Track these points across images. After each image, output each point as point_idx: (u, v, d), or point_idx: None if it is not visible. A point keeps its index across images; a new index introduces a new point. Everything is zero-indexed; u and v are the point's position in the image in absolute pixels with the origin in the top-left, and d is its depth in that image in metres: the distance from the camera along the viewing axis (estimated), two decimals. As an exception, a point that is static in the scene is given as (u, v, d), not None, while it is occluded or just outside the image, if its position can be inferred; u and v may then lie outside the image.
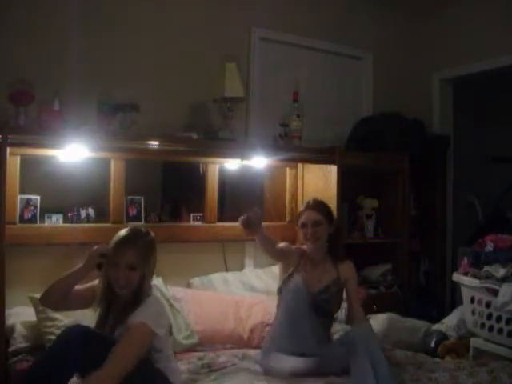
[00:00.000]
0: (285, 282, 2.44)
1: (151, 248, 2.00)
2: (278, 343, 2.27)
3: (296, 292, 2.31)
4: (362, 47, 3.99)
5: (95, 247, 2.00)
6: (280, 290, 2.46)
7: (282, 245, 2.48)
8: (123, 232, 1.99)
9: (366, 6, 3.97)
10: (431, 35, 4.13)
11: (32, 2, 2.77)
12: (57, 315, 2.36)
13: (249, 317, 2.76)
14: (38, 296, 2.41)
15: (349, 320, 2.51)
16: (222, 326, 2.68)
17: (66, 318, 2.36)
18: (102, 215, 2.80)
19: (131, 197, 2.87)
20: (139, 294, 1.92)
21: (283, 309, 2.35)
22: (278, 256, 2.47)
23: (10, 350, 2.30)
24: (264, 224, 3.34)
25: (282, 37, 3.63)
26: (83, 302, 2.02)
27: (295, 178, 3.51)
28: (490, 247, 2.71)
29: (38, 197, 2.62)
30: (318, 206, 2.52)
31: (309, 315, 2.28)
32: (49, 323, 2.35)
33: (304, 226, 2.48)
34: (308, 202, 2.55)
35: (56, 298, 2.01)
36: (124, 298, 1.93)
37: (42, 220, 2.64)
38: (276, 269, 3.29)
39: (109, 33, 2.95)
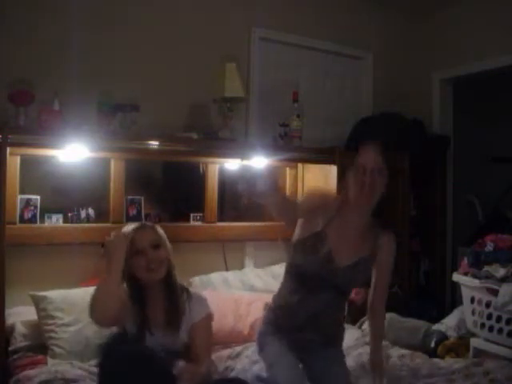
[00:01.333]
0: (304, 242, 1.89)
1: (162, 232, 2.02)
2: (276, 319, 1.97)
3: (318, 261, 1.85)
4: (362, 47, 3.99)
5: (111, 237, 1.86)
6: (297, 249, 1.92)
7: (305, 205, 1.96)
8: (131, 226, 1.99)
9: (366, 6, 3.97)
10: (431, 35, 4.13)
11: (32, 2, 2.77)
12: (57, 313, 2.37)
13: (248, 313, 2.76)
14: (38, 294, 2.43)
15: (369, 308, 2.05)
16: (222, 323, 2.68)
17: (66, 316, 2.37)
18: (102, 215, 2.80)
19: (131, 197, 2.87)
20: (173, 282, 1.94)
21: (293, 276, 1.94)
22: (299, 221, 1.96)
23: (10, 348, 2.30)
24: (264, 224, 3.39)
25: (282, 37, 3.63)
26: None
27: (295, 178, 3.51)
28: (490, 247, 2.71)
29: (38, 197, 2.62)
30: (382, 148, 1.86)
31: (324, 290, 1.89)
32: (49, 321, 2.36)
33: (361, 171, 1.79)
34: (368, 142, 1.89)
35: (110, 313, 1.83)
36: (158, 288, 1.91)
37: (42, 220, 2.64)
38: (276, 268, 3.31)
39: (109, 33, 2.95)
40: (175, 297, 1.92)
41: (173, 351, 1.84)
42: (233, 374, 2.24)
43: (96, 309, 1.79)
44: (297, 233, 1.94)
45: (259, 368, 2.27)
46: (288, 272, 1.98)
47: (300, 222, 1.94)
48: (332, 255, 1.86)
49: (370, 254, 1.90)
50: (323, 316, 1.92)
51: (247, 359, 2.40)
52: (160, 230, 2.00)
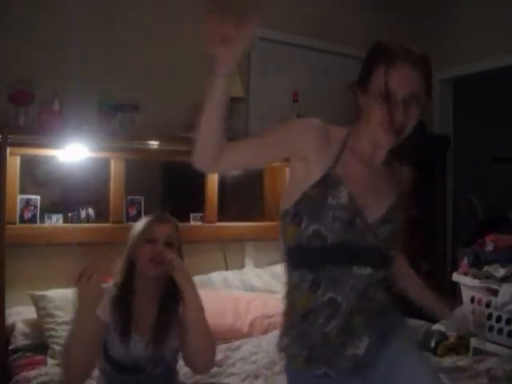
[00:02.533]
0: (307, 196, 1.24)
1: (180, 232, 1.89)
2: (293, 330, 1.29)
3: (335, 221, 1.20)
4: (362, 47, 3.97)
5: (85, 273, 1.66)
6: (294, 216, 1.24)
7: (292, 132, 1.33)
8: (152, 214, 1.89)
9: (366, 6, 3.97)
10: (431, 35, 4.13)
11: (32, 2, 2.77)
12: (57, 312, 2.38)
13: (248, 312, 2.77)
14: (37, 293, 2.43)
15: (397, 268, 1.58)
16: (221, 321, 2.68)
17: (66, 315, 2.37)
18: (102, 215, 2.80)
19: (131, 197, 2.87)
20: (173, 285, 1.74)
21: (305, 258, 1.24)
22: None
23: (10, 347, 2.31)
24: (264, 224, 3.38)
25: (282, 37, 3.63)
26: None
27: (295, 178, 3.51)
28: (489, 247, 2.71)
29: (38, 197, 2.62)
30: (424, 62, 1.33)
31: (360, 264, 1.24)
32: (49, 319, 2.37)
33: (391, 96, 1.23)
34: (401, 48, 1.37)
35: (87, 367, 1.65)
36: (155, 287, 1.76)
37: (42, 220, 2.64)
38: (277, 268, 3.31)
39: (109, 33, 2.95)
40: (172, 302, 1.75)
41: (158, 358, 1.72)
42: (231, 362, 2.28)
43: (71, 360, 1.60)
44: (290, 188, 1.32)
45: (258, 358, 2.33)
46: (294, 258, 1.27)
47: (292, 167, 1.34)
48: (358, 206, 1.23)
49: (396, 200, 1.34)
50: (363, 311, 1.26)
51: (247, 351, 2.46)
52: (178, 227, 1.87)
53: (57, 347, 2.30)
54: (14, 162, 2.50)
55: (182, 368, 1.89)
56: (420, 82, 1.25)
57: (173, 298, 1.74)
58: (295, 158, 1.31)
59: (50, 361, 2.25)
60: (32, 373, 2.09)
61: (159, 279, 1.76)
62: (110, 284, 1.80)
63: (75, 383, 1.65)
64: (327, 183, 1.23)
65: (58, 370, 2.12)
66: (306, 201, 1.24)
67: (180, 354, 1.80)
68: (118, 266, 1.80)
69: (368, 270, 1.25)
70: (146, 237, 1.77)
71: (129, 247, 1.80)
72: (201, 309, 1.73)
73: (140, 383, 1.70)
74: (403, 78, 1.25)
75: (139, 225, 1.84)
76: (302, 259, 1.24)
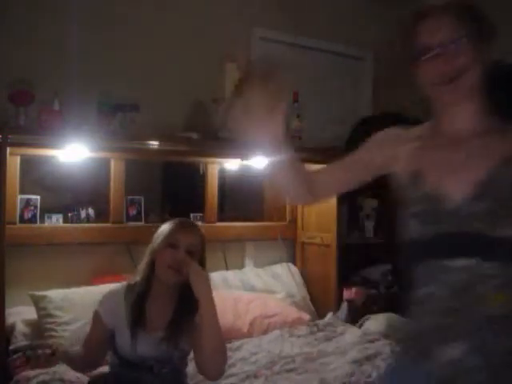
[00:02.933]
0: (402, 199, 1.24)
1: (205, 239, 1.86)
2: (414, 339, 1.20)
3: (414, 215, 1.18)
4: (362, 47, 3.99)
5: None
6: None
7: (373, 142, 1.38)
8: (179, 219, 1.86)
9: (366, 6, 3.97)
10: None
11: (32, 2, 2.77)
12: (57, 312, 2.38)
13: (247, 311, 2.77)
14: (37, 293, 2.43)
15: None
16: (221, 320, 2.68)
17: (66, 315, 2.38)
18: (102, 215, 2.80)
19: (131, 197, 2.87)
20: (191, 293, 1.71)
21: (404, 253, 1.22)
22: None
23: (10, 348, 2.30)
24: (264, 224, 3.39)
25: (282, 37, 3.63)
26: (105, 342, 1.76)
27: (295, 178, 3.51)
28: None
29: (38, 197, 2.62)
30: (458, 5, 1.21)
31: (449, 260, 1.11)
32: (49, 320, 2.37)
33: (427, 48, 1.16)
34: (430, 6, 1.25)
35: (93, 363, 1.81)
36: (171, 291, 1.76)
37: (42, 220, 2.64)
38: (277, 268, 3.31)
39: (109, 33, 2.95)
40: (189, 307, 1.74)
41: (165, 358, 1.72)
42: (231, 362, 2.27)
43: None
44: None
45: (258, 358, 2.34)
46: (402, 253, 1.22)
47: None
48: (436, 193, 1.16)
49: (495, 170, 1.13)
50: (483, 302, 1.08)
51: (247, 351, 2.46)
52: (203, 237, 1.84)
53: (57, 347, 2.30)
54: (13, 162, 2.50)
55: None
56: (455, 27, 1.16)
57: (190, 303, 1.72)
58: (383, 169, 1.34)
59: (50, 360, 2.25)
60: (32, 372, 2.09)
61: (177, 284, 1.76)
62: (118, 285, 1.81)
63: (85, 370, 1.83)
64: (411, 181, 1.22)
65: (58, 369, 2.12)
66: (403, 204, 1.23)
67: (190, 357, 1.81)
68: (141, 265, 1.81)
69: (462, 262, 1.08)
70: (169, 241, 1.76)
71: (151, 248, 1.80)
72: (215, 315, 1.71)
73: (146, 381, 1.71)
74: (431, 27, 1.19)
75: (165, 228, 1.82)
76: (405, 255, 1.22)
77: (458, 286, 1.09)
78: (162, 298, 1.77)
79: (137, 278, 1.79)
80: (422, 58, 1.17)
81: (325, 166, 1.41)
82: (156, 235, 1.82)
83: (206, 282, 1.74)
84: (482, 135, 1.19)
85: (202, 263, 1.79)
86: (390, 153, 1.30)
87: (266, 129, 1.17)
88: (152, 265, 1.77)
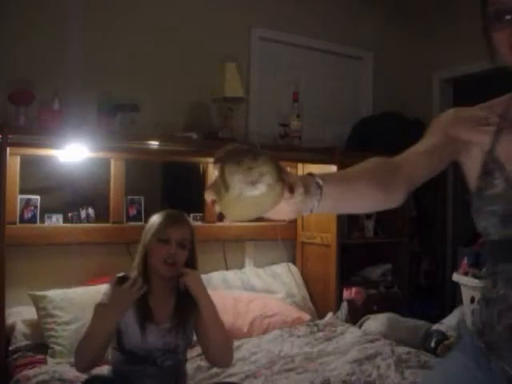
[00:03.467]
0: (474, 191, 1.10)
1: (196, 230, 1.91)
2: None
3: (493, 215, 1.02)
4: (362, 47, 3.99)
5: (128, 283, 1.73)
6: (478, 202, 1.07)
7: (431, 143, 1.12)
8: (167, 211, 1.90)
9: (366, 5, 3.97)
10: (431, 35, 4.13)
11: (32, 1, 2.77)
12: (57, 312, 2.38)
13: (247, 311, 2.77)
14: (37, 293, 2.43)
15: None
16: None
17: (66, 315, 2.38)
18: (102, 215, 2.80)
19: (131, 197, 2.88)
20: None
21: (485, 250, 1.14)
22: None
23: (10, 348, 2.31)
24: (264, 224, 3.38)
25: (282, 37, 3.63)
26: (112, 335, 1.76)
27: (295, 178, 3.51)
28: (490, 247, 2.71)
29: (38, 197, 2.62)
30: None
31: None
32: (49, 319, 2.37)
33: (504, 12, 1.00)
34: None
35: (95, 358, 1.74)
36: (171, 282, 1.81)
37: (42, 220, 2.64)
38: (277, 268, 3.31)
39: (109, 33, 2.95)
40: (188, 295, 1.79)
41: (173, 350, 1.79)
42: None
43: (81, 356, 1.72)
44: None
45: (258, 358, 2.35)
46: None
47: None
48: None
49: None
50: None
51: (247, 351, 2.46)
52: (193, 229, 1.88)
53: (57, 347, 2.30)
54: (14, 162, 2.50)
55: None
56: None
57: (190, 292, 1.79)
58: (458, 152, 1.12)
59: (50, 360, 2.25)
60: (32, 371, 2.10)
61: (174, 276, 1.82)
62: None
63: (85, 369, 1.78)
64: (486, 172, 1.05)
65: (58, 368, 2.13)
66: (473, 197, 1.09)
67: (188, 355, 1.89)
68: (135, 263, 1.85)
69: None
70: (159, 236, 1.80)
71: (142, 246, 1.84)
72: (215, 310, 1.80)
73: (148, 375, 1.74)
74: None
75: (154, 222, 1.85)
76: (487, 253, 1.11)
77: None
78: (162, 290, 1.83)
79: (134, 273, 1.82)
80: (498, 22, 1.01)
81: (401, 155, 1.10)
82: (146, 229, 1.85)
83: (201, 286, 1.81)
84: None
85: (192, 255, 1.86)
86: (464, 136, 1.09)
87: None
88: (146, 260, 1.82)
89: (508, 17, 1.00)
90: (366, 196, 0.97)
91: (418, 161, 1.08)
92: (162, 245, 1.79)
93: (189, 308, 1.81)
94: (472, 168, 1.09)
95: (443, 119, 1.16)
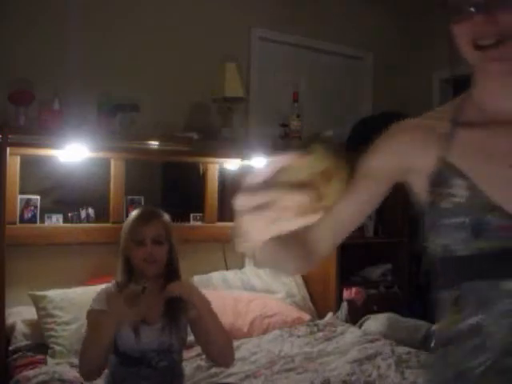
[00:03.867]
0: (425, 207, 0.96)
1: (171, 223, 1.90)
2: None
3: (457, 230, 0.88)
4: (362, 47, 3.99)
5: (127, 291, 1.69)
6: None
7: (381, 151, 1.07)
8: (140, 210, 1.91)
9: (366, 5, 3.97)
10: (431, 34, 4.13)
11: (32, 1, 2.77)
12: (57, 312, 2.38)
13: (247, 311, 2.78)
14: (37, 293, 2.43)
15: None
16: (221, 320, 2.69)
17: (66, 315, 2.38)
18: (102, 215, 2.80)
19: (131, 197, 2.88)
20: (175, 269, 1.84)
21: (443, 270, 0.94)
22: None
23: (10, 348, 2.31)
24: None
25: (282, 37, 3.63)
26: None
27: (295, 178, 3.51)
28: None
29: (38, 197, 2.62)
30: None
31: (508, 282, 0.84)
32: (49, 319, 2.37)
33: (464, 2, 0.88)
34: None
35: (101, 365, 1.72)
36: (157, 281, 1.80)
37: (42, 220, 2.64)
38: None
39: (109, 33, 2.95)
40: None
41: (167, 350, 1.77)
42: None
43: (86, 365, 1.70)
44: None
45: (258, 358, 2.35)
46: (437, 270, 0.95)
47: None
48: (487, 198, 0.85)
49: None
50: None
51: (247, 351, 2.47)
52: (166, 223, 1.86)
53: (57, 347, 2.30)
54: (14, 162, 2.50)
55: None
56: None
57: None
58: (399, 177, 1.02)
59: (50, 360, 2.25)
60: (32, 372, 2.10)
61: (158, 274, 1.82)
62: (108, 284, 1.82)
63: (93, 378, 1.74)
64: (440, 182, 0.91)
65: (57, 368, 2.13)
66: (426, 212, 0.96)
67: (188, 355, 1.89)
68: (118, 266, 1.84)
69: None
70: (133, 238, 1.80)
71: (121, 248, 1.84)
72: (211, 311, 1.80)
73: (143, 377, 1.73)
74: None
75: (127, 224, 1.86)
76: (445, 272, 0.92)
77: None
78: (150, 289, 1.77)
79: (118, 276, 1.82)
80: (459, 13, 0.92)
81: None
82: (122, 231, 1.85)
83: (191, 291, 1.80)
84: None
85: (171, 250, 1.85)
86: (403, 151, 1.00)
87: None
88: (128, 262, 1.82)
89: (469, 8, 0.89)
90: (294, 255, 0.93)
91: (336, 217, 0.93)
92: (139, 245, 1.78)
93: (178, 306, 1.79)
94: (421, 180, 0.95)
95: (374, 150, 1.08)
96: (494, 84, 0.94)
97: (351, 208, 1.01)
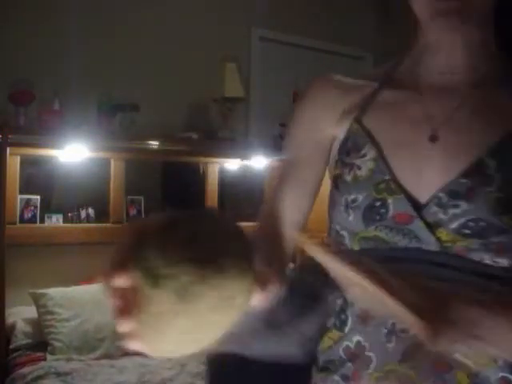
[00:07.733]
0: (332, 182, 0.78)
1: None
2: None
3: (350, 210, 0.71)
4: (362, 47, 3.99)
5: None
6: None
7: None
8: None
9: (366, 5, 3.97)
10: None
11: (32, 1, 2.77)
12: (57, 309, 2.38)
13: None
14: (38, 291, 2.43)
15: None
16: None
17: (66, 312, 2.38)
18: (102, 215, 2.80)
19: (131, 197, 2.88)
20: None
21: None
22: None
23: (10, 346, 2.31)
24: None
25: (282, 37, 3.63)
26: None
27: (295, 178, 3.51)
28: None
29: (38, 197, 2.62)
30: None
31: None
32: (49, 317, 2.37)
33: None
34: None
35: None
36: None
37: (42, 220, 2.64)
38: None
39: (109, 33, 2.95)
40: None
41: None
42: None
43: None
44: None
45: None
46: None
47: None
48: (394, 175, 0.68)
49: (498, 148, 0.66)
50: None
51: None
52: None
53: (56, 343, 2.30)
54: (14, 162, 2.50)
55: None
56: None
57: None
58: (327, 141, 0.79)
59: (49, 357, 2.26)
60: (28, 368, 2.11)
61: None
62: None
63: None
64: (350, 148, 0.73)
65: (54, 363, 2.14)
66: (331, 187, 0.77)
67: None
68: None
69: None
70: None
71: None
72: None
73: None
74: None
75: None
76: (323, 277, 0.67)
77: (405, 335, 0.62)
78: None
79: None
80: None
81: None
82: None
83: None
84: (485, 85, 0.72)
85: None
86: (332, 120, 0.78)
87: None
88: None
89: None
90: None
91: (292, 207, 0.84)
92: None
93: None
94: (336, 148, 0.76)
95: (303, 113, 0.86)
96: (436, 44, 0.78)
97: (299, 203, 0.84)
